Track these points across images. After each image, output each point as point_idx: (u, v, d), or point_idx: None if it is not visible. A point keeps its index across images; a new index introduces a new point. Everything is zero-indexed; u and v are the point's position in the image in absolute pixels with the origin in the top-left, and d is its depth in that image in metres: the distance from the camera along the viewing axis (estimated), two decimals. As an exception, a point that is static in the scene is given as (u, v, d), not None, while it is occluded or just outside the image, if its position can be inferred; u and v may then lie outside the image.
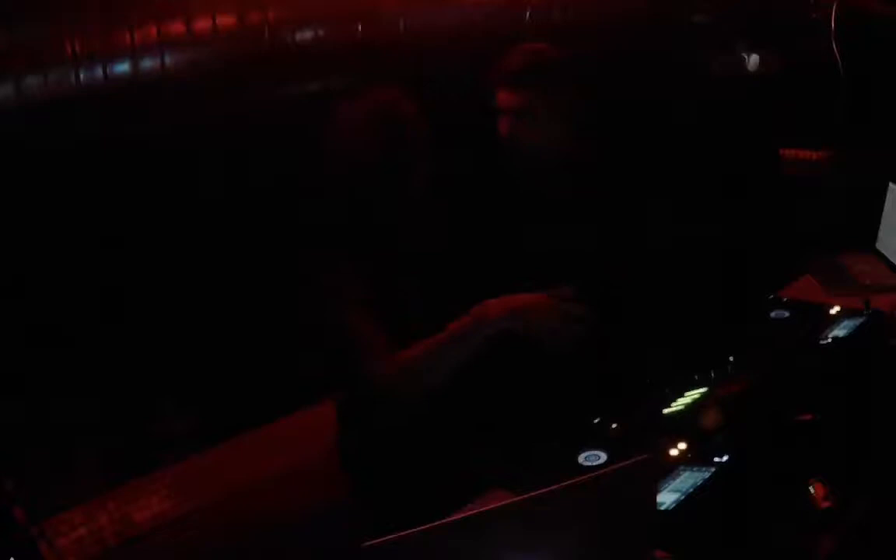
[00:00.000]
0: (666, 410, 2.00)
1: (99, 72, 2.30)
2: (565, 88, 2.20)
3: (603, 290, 2.23)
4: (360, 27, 2.72)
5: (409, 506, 1.51)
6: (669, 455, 1.82)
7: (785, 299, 2.59)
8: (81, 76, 2.27)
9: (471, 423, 2.04)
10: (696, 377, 2.11)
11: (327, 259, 1.91)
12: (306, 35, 2.64)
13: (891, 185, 2.86)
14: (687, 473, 1.75)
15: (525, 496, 1.25)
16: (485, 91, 2.22)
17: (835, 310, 2.44)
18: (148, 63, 2.37)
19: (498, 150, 2.24)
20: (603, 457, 1.82)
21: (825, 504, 1.61)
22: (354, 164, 1.91)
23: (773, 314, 2.49)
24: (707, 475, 1.74)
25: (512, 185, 2.27)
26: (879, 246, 2.91)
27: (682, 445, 1.84)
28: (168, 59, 2.40)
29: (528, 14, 3.04)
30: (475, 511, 1.26)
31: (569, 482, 1.27)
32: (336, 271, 1.89)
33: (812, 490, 1.64)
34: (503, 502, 1.27)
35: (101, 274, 2.57)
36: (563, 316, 1.88)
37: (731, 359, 2.17)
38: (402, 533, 1.17)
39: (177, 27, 2.42)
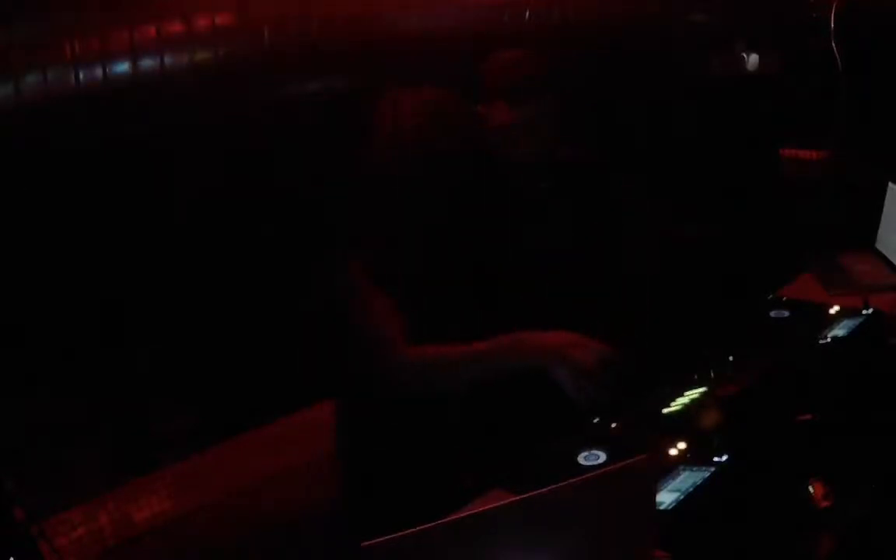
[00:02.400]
0: (666, 410, 2.00)
1: (99, 72, 2.30)
2: (549, 97, 2.16)
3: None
4: (359, 27, 2.72)
5: (406, 506, 1.51)
6: (669, 455, 1.82)
7: (785, 299, 2.59)
8: (81, 76, 2.27)
9: (471, 424, 2.04)
10: (696, 377, 2.11)
11: (350, 256, 1.89)
12: (306, 35, 2.64)
13: (891, 185, 2.86)
14: (686, 473, 1.75)
15: (525, 496, 1.25)
16: (471, 104, 2.19)
17: (835, 310, 2.44)
18: (148, 63, 2.37)
19: (489, 158, 2.23)
20: (603, 456, 1.82)
21: (825, 504, 1.61)
22: (376, 170, 1.87)
23: (773, 314, 2.49)
24: (707, 475, 1.74)
25: (505, 185, 2.26)
26: (879, 246, 2.91)
27: (682, 445, 1.84)
28: (168, 59, 2.40)
29: (527, 14, 3.04)
30: (475, 511, 1.26)
31: (569, 482, 1.27)
32: (358, 268, 1.87)
33: (812, 490, 1.64)
34: (503, 502, 1.27)
35: (102, 274, 2.57)
36: (599, 376, 1.82)
37: (731, 359, 2.17)
38: (402, 533, 1.17)
39: (176, 27, 2.41)
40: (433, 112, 1.89)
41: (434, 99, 1.92)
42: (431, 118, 1.88)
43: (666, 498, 1.67)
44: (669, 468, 1.77)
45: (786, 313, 2.48)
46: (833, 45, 3.57)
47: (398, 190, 1.86)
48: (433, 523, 1.20)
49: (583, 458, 1.82)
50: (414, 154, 1.85)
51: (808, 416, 1.86)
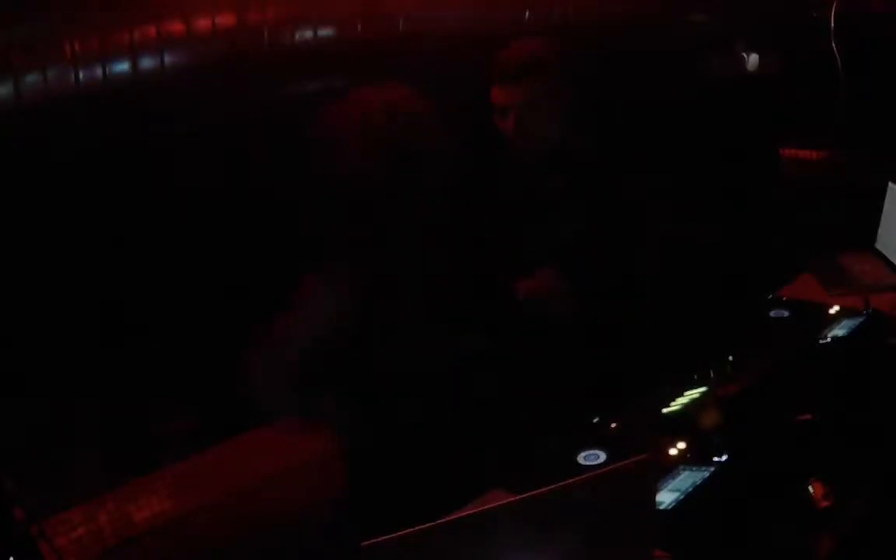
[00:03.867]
0: (666, 410, 2.00)
1: (99, 72, 2.29)
2: (560, 83, 2.21)
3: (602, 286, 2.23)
4: (359, 27, 2.72)
5: (406, 505, 1.51)
6: (669, 454, 1.82)
7: (785, 299, 2.59)
8: (81, 76, 2.27)
9: (467, 421, 2.04)
10: (696, 377, 2.11)
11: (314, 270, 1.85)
12: (306, 35, 2.64)
13: (891, 184, 2.86)
14: (686, 473, 1.75)
15: (525, 496, 1.25)
16: (483, 86, 2.23)
17: (834, 309, 2.44)
18: (148, 63, 2.37)
19: (495, 147, 2.24)
20: (602, 456, 1.82)
21: (825, 504, 1.61)
22: (346, 173, 1.79)
23: (772, 314, 2.49)
24: (706, 475, 1.74)
25: (508, 184, 2.27)
26: (879, 246, 2.91)
27: (682, 445, 1.84)
28: (168, 59, 2.40)
29: (527, 14, 3.04)
30: (475, 511, 1.26)
31: (568, 482, 1.27)
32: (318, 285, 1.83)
33: (812, 490, 1.64)
34: (503, 502, 1.27)
35: (101, 274, 2.57)
36: None
37: (730, 358, 2.17)
38: (402, 533, 1.17)
39: (176, 27, 2.41)
40: (392, 112, 1.80)
41: (393, 98, 1.83)
42: (390, 118, 1.79)
43: (666, 498, 1.68)
44: (669, 468, 1.77)
45: (786, 313, 2.48)
46: (833, 45, 3.57)
47: (356, 194, 1.79)
48: (433, 523, 1.20)
49: (583, 458, 1.82)
50: (372, 155, 1.80)
51: (808, 416, 1.86)
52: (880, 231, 2.93)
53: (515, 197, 2.28)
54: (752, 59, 3.78)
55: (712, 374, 2.11)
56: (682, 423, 1.93)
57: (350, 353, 1.86)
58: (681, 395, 2.05)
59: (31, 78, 2.20)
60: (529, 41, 2.25)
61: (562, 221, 2.26)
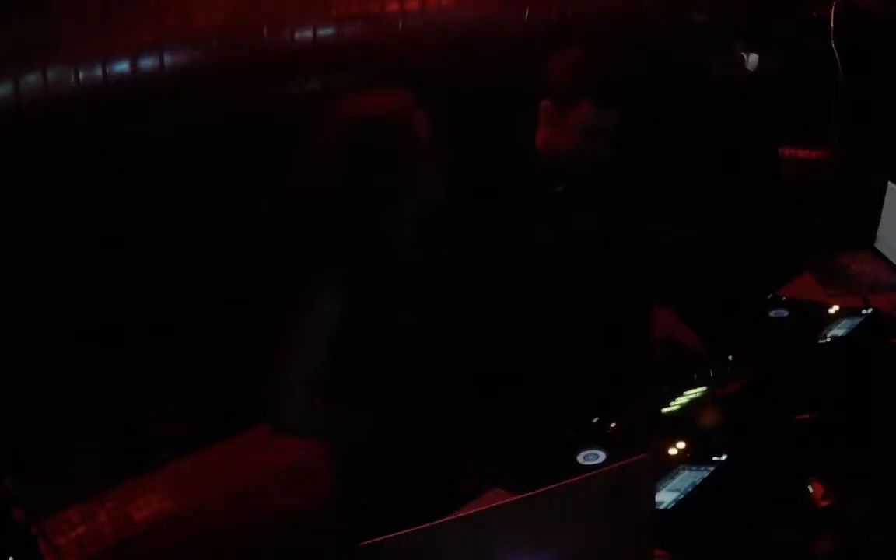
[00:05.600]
0: (665, 409, 2.00)
1: (99, 72, 2.30)
2: (612, 96, 2.15)
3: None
4: (359, 27, 2.72)
5: (400, 506, 1.50)
6: (668, 454, 1.82)
7: (785, 298, 2.59)
8: (81, 76, 2.27)
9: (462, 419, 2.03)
10: (696, 376, 2.11)
11: (308, 280, 1.82)
12: (306, 35, 2.64)
13: (890, 184, 2.86)
14: (686, 472, 1.75)
15: (525, 496, 1.25)
16: (527, 100, 2.19)
17: (834, 309, 2.44)
18: (148, 63, 2.37)
19: (518, 155, 2.22)
20: (602, 456, 1.82)
21: (824, 503, 1.61)
22: (335, 184, 1.76)
23: (772, 313, 2.49)
24: (706, 474, 1.74)
25: (522, 186, 2.24)
26: (879, 246, 2.91)
27: (681, 444, 1.84)
28: (168, 59, 2.40)
29: (527, 13, 3.04)
30: (475, 511, 1.26)
31: (568, 482, 1.27)
32: (313, 296, 1.81)
33: (811, 489, 1.64)
34: (503, 502, 1.27)
35: (101, 274, 2.57)
36: None
37: (730, 358, 2.17)
38: (402, 533, 1.17)
39: (176, 27, 2.42)
40: (373, 119, 1.77)
41: (378, 105, 1.80)
42: (370, 126, 1.77)
43: (666, 498, 1.68)
44: (669, 468, 1.77)
45: (786, 313, 2.48)
46: (833, 45, 3.57)
47: (335, 199, 1.77)
48: (433, 523, 1.20)
49: (583, 458, 1.82)
50: (349, 162, 1.77)
51: (807, 416, 1.86)
52: (880, 231, 2.93)
53: (528, 199, 2.26)
54: (752, 59, 3.78)
55: (712, 374, 2.11)
56: (682, 423, 1.93)
57: (359, 358, 1.85)
58: (681, 395, 2.05)
59: (31, 78, 2.20)
60: (578, 56, 2.16)
61: (573, 222, 2.25)
